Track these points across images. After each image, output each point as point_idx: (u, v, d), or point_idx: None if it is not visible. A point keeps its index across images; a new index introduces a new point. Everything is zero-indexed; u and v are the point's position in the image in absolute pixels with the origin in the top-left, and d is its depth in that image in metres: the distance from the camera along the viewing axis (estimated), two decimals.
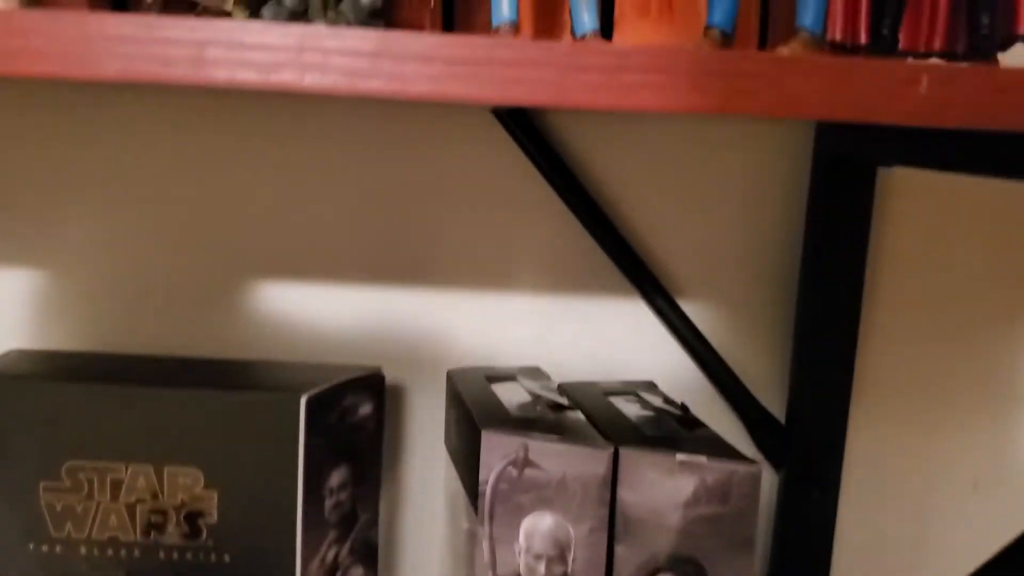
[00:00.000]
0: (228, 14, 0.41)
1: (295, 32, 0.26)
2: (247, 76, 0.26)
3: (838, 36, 0.38)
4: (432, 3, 0.39)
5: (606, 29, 0.45)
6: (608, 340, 0.62)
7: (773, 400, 0.63)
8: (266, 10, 0.33)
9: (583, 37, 0.37)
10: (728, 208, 0.61)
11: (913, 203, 0.63)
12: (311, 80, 0.26)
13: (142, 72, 0.27)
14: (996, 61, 0.35)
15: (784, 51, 0.31)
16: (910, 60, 0.28)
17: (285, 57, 0.26)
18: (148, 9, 0.43)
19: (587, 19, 0.38)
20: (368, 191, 0.60)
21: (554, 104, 0.27)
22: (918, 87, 0.27)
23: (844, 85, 0.27)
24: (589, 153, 0.60)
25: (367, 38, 0.26)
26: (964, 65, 0.28)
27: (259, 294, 0.60)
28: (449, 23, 0.46)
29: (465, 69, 0.27)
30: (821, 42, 0.33)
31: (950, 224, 0.63)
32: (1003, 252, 0.63)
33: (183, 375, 0.54)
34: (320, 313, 0.60)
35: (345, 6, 0.30)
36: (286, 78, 0.26)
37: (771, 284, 0.63)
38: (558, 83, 0.27)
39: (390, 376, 0.61)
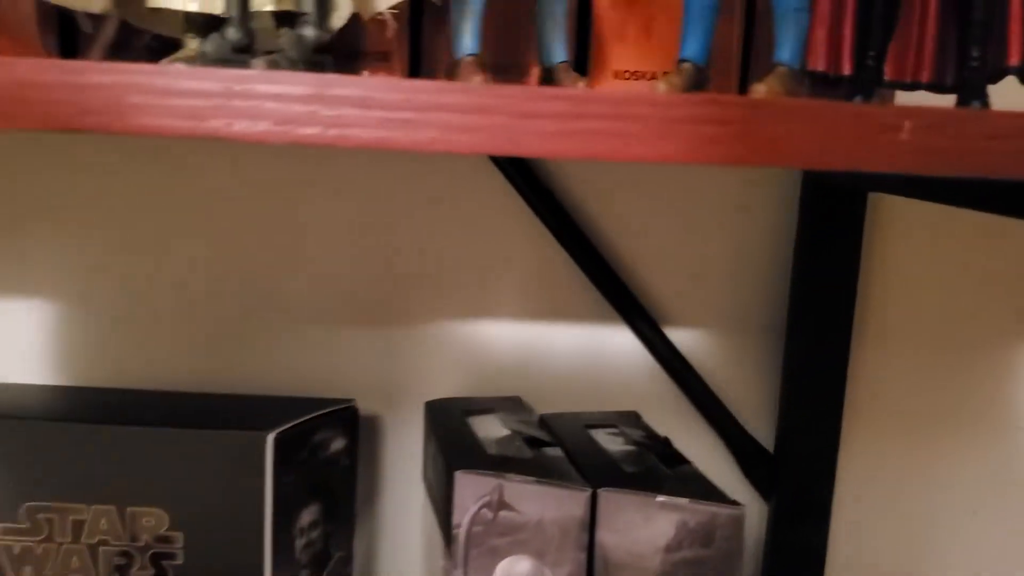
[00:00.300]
0: (179, 41, 0.39)
1: (223, 77, 0.24)
2: (172, 124, 0.24)
3: (820, 67, 0.36)
4: (391, 31, 0.37)
5: (582, 54, 0.43)
6: (593, 368, 0.60)
7: (762, 429, 0.61)
8: (207, 43, 0.31)
9: (552, 68, 0.35)
10: (715, 233, 0.59)
11: (905, 226, 0.60)
12: (241, 128, 0.24)
13: (61, 120, 0.25)
14: (986, 94, 0.33)
15: (760, 88, 0.29)
16: (892, 105, 0.26)
17: (213, 104, 0.24)
18: (98, 39, 0.41)
19: (557, 50, 0.35)
20: (344, 217, 0.58)
21: (508, 153, 0.25)
22: (900, 133, 0.25)
23: (821, 131, 0.25)
24: (572, 177, 0.58)
25: (300, 82, 0.24)
26: (951, 108, 0.26)
27: (229, 325, 0.58)
28: (416, 51, 0.44)
29: (409, 115, 0.25)
30: (800, 77, 0.30)
31: (943, 247, 0.61)
32: (997, 275, 0.61)
33: (147, 411, 0.52)
34: (293, 342, 0.58)
35: (286, 42, 0.28)
36: (214, 126, 0.24)
37: (759, 310, 0.60)
38: (511, 131, 0.25)
39: (366, 407, 0.59)
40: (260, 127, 0.24)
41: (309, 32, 0.29)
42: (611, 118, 0.25)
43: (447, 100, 0.25)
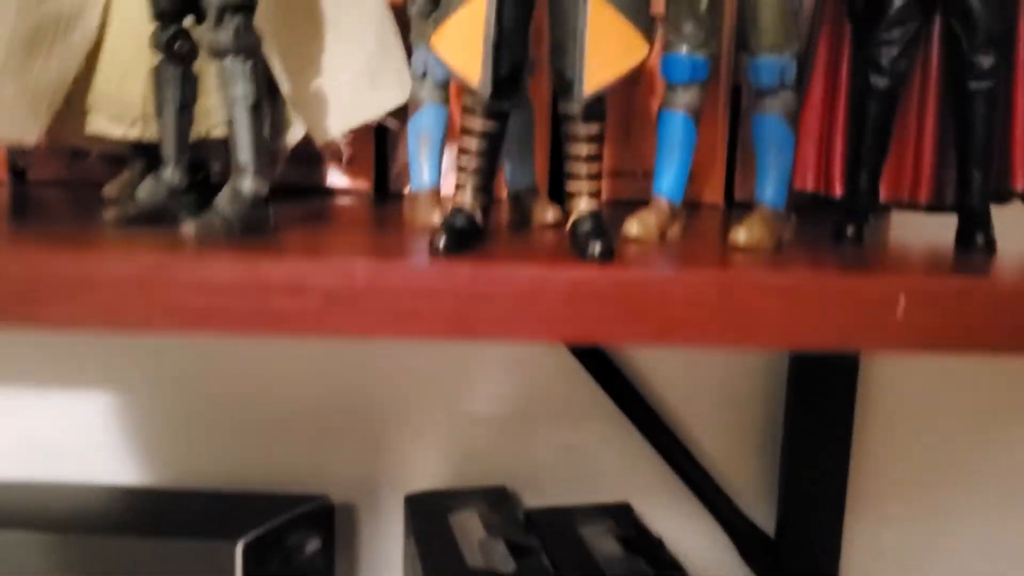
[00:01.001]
0: (124, 160, 0.37)
1: (140, 263, 0.22)
2: (85, 318, 0.22)
3: (809, 187, 0.33)
4: (347, 157, 0.34)
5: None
6: (584, 453, 0.57)
7: (761, 512, 0.59)
8: (142, 188, 0.28)
9: (519, 193, 0.33)
10: None
11: None
12: (161, 324, 0.22)
13: None
14: (990, 223, 0.30)
15: (740, 234, 0.27)
16: (884, 277, 0.23)
17: (130, 297, 0.22)
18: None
19: (522, 173, 0.33)
20: None
21: (459, 338, 0.22)
22: (894, 311, 0.23)
23: (803, 310, 0.23)
24: None
25: (224, 268, 0.22)
26: (950, 279, 0.23)
27: (202, 416, 0.56)
28: (382, 150, 0.41)
29: (348, 300, 0.22)
30: (784, 217, 0.28)
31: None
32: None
33: (110, 516, 0.49)
34: (268, 432, 0.56)
35: (221, 199, 0.26)
36: (131, 321, 0.22)
37: (757, 391, 0.58)
38: (461, 315, 0.22)
39: (344, 498, 0.56)
40: (181, 321, 0.22)
41: (247, 185, 0.26)
42: (569, 299, 0.22)
43: (388, 283, 0.22)
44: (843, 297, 0.23)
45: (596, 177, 0.25)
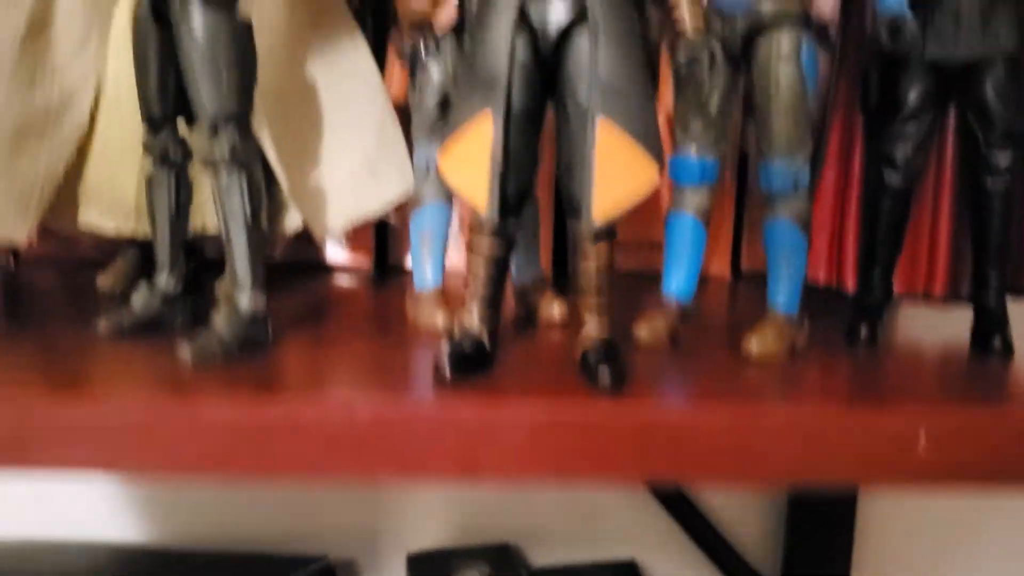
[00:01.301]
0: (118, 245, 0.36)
1: (133, 409, 0.21)
2: (81, 459, 0.21)
3: (821, 280, 0.33)
4: (344, 241, 0.33)
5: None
6: (589, 509, 0.56)
7: (767, 563, 0.58)
8: (136, 296, 0.28)
9: (524, 289, 0.32)
10: None
11: None
12: (156, 469, 0.21)
13: None
14: (1006, 322, 0.29)
15: (753, 346, 0.26)
16: (905, 410, 0.23)
17: (120, 445, 0.21)
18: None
19: (527, 267, 0.32)
20: None
21: (465, 479, 0.22)
22: (915, 447, 0.22)
23: (819, 448, 0.22)
24: None
25: (220, 411, 0.21)
26: (970, 409, 0.23)
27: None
28: (383, 243, 0.40)
29: (350, 444, 0.22)
30: (797, 326, 0.27)
31: None
32: None
33: (108, 575, 0.48)
34: (262, 489, 0.55)
35: (219, 320, 0.25)
36: (127, 465, 0.21)
37: None
38: (468, 455, 0.22)
39: (343, 557, 0.55)
40: (178, 468, 0.21)
41: (244, 302, 0.25)
42: (578, 438, 0.22)
43: (391, 422, 0.22)
44: (863, 434, 0.22)
45: (607, 293, 0.24)
